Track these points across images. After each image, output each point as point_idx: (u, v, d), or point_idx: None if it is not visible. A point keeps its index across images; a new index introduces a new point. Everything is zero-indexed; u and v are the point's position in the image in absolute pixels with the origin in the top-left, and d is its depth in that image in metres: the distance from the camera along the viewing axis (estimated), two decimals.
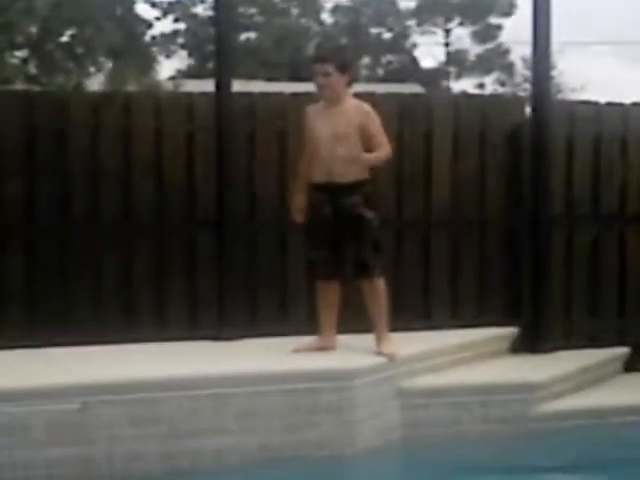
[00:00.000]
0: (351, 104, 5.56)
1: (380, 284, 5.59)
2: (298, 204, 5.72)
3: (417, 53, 43.81)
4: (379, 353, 5.51)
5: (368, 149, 5.48)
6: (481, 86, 43.66)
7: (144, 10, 39.37)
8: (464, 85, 42.73)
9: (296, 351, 5.56)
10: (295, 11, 41.49)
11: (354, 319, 5.82)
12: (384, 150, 5.51)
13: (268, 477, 4.89)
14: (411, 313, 5.88)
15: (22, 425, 4.55)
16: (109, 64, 18.64)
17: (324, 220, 5.55)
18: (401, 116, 6.39)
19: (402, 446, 5.31)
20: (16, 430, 4.55)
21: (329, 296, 5.66)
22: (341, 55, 5.92)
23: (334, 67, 5.48)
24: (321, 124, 5.55)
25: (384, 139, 5.52)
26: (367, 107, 5.55)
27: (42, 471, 4.58)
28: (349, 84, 5.61)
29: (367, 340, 5.66)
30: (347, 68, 5.58)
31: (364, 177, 5.54)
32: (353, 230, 5.51)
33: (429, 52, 63.10)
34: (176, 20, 41.31)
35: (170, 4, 40.46)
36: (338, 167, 5.46)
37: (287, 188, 6.16)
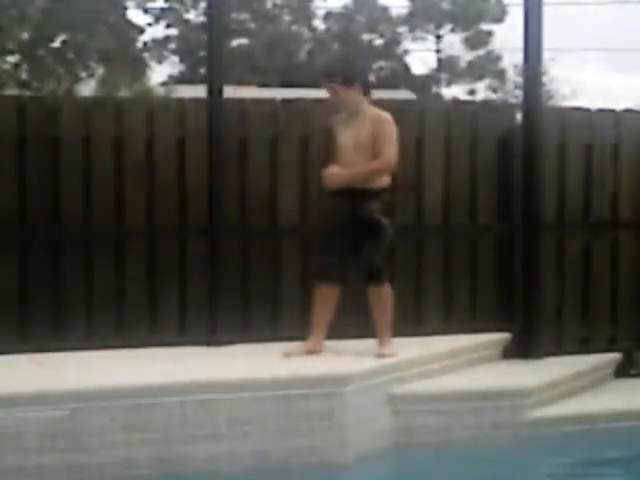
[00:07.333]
0: (370, 113, 5.54)
1: (388, 288, 5.63)
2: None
3: (408, 59, 43.95)
4: (381, 355, 5.53)
5: (375, 157, 5.49)
6: (472, 93, 43.76)
7: (136, 16, 39.50)
8: (455, 91, 42.88)
9: (287, 355, 5.56)
10: (287, 18, 41.56)
11: (346, 325, 5.83)
12: (380, 160, 5.48)
13: None
14: (403, 319, 5.87)
15: (13, 431, 4.53)
16: (101, 70, 18.61)
17: (342, 225, 5.56)
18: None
19: (394, 452, 5.30)
20: (6, 436, 4.53)
21: (330, 300, 5.65)
22: (346, 68, 5.67)
23: (338, 84, 5.50)
24: (342, 133, 5.60)
25: (388, 149, 5.47)
26: (385, 116, 5.51)
27: (32, 478, 4.55)
28: (365, 93, 5.59)
29: (359, 346, 5.67)
30: (353, 80, 5.53)
31: (384, 185, 5.58)
32: (370, 236, 5.53)
33: (420, 58, 63.33)
34: (168, 26, 41.38)
35: (162, 10, 40.52)
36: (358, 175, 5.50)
37: (279, 193, 6.19)
